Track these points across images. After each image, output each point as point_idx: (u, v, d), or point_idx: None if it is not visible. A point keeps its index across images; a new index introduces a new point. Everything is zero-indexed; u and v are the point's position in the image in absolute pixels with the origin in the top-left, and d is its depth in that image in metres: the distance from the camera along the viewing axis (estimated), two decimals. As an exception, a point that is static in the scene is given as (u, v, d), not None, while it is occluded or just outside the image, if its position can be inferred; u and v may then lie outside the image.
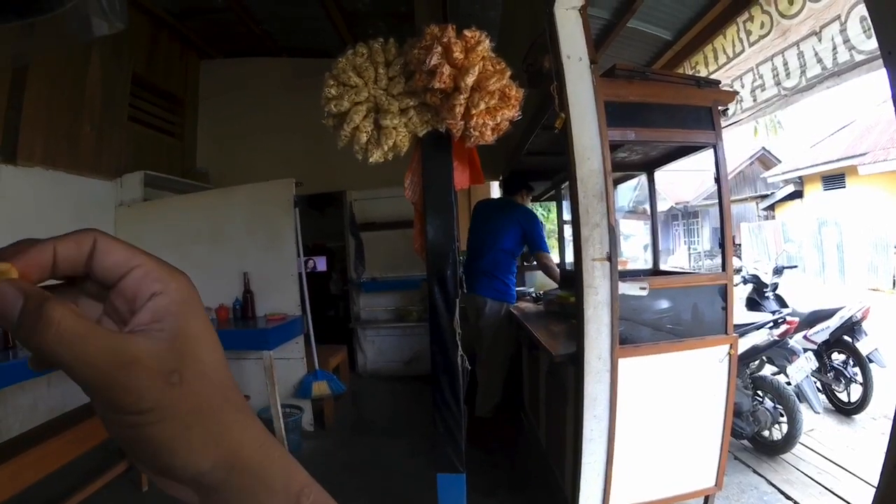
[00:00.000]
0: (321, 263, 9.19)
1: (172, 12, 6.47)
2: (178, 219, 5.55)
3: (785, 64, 4.01)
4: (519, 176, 5.18)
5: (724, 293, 3.19)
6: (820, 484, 3.87)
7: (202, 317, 0.42)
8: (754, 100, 4.44)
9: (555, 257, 6.46)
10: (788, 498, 3.73)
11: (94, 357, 0.35)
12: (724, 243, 3.26)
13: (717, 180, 3.28)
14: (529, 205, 5.26)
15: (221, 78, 7.72)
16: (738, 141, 19.19)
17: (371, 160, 2.80)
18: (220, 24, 6.78)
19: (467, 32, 2.57)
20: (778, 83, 4.13)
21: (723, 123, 4.58)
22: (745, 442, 4.45)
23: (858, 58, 3.32)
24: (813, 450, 4.41)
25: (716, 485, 3.27)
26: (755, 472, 4.10)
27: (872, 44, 3.11)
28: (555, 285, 5.20)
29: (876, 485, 1.50)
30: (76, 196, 5.23)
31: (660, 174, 4.71)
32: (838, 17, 3.41)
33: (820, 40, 3.61)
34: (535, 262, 5.68)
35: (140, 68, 6.30)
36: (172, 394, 0.37)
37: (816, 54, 3.66)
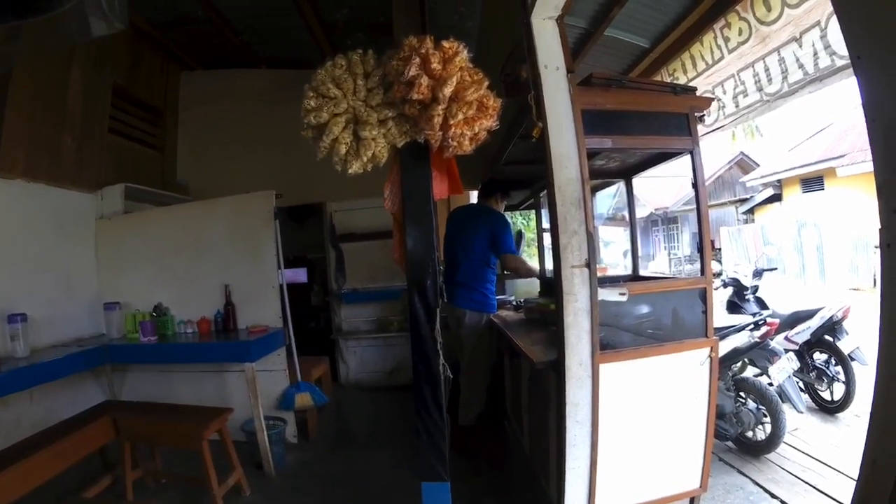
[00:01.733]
0: (302, 275, 9.17)
1: (154, 24, 6.44)
2: (158, 231, 5.53)
3: (766, 70, 4.05)
4: (494, 181, 5.19)
5: (704, 297, 3.22)
6: (805, 482, 3.90)
7: None
8: (737, 105, 4.48)
9: (535, 265, 6.49)
10: (774, 497, 3.76)
11: None
12: (703, 248, 3.29)
13: (695, 186, 3.31)
14: (503, 209, 5.24)
15: (202, 89, 7.69)
16: (717, 146, 19.37)
17: (350, 171, 2.80)
18: (200, 36, 6.76)
19: (445, 43, 2.59)
20: (760, 89, 4.18)
21: (706, 129, 4.66)
22: (730, 443, 4.49)
23: (840, 63, 3.37)
24: (797, 449, 4.45)
25: (701, 486, 3.30)
26: (740, 472, 4.13)
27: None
28: (536, 288, 5.21)
29: (856, 479, 1.53)
30: (57, 208, 5.20)
31: (639, 180, 4.74)
32: (818, 22, 3.45)
33: (801, 46, 3.65)
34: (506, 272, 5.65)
35: (121, 80, 6.28)
36: None
37: (798, 60, 3.71)
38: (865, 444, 1.48)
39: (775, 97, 4.05)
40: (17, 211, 4.76)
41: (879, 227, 1.37)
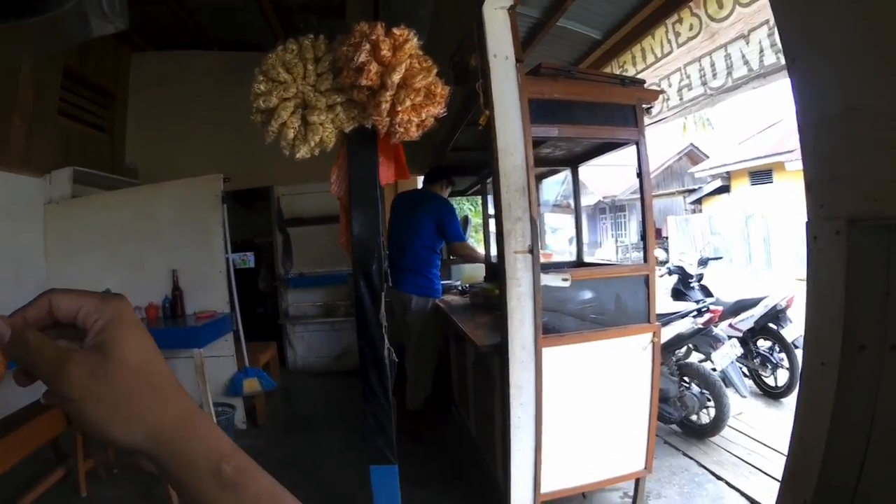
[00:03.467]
0: (250, 259, 9.10)
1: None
2: (106, 216, 5.42)
3: (712, 65, 4.12)
4: (440, 167, 5.23)
5: (647, 283, 3.30)
6: (750, 464, 4.04)
7: (132, 326, 0.55)
8: (681, 98, 4.55)
9: (480, 250, 6.54)
10: (719, 478, 3.88)
11: (46, 360, 0.50)
12: (646, 236, 3.37)
13: (640, 175, 3.38)
14: (447, 195, 5.31)
15: (152, 71, 7.49)
16: (667, 136, 19.66)
17: (298, 156, 2.80)
18: (153, 16, 6.61)
19: (396, 30, 2.60)
20: (704, 83, 4.25)
21: (649, 121, 4.72)
22: (675, 427, 4.60)
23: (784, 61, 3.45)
24: (742, 432, 4.59)
25: (645, 468, 3.38)
26: (685, 454, 4.25)
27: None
28: (481, 273, 5.26)
29: (786, 454, 1.62)
30: (5, 193, 5.04)
31: (588, 168, 4.82)
32: (767, 21, 3.51)
33: (748, 43, 3.72)
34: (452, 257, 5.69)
35: (72, 61, 6.11)
36: (98, 384, 0.50)
37: (743, 56, 3.78)
38: (794, 422, 1.56)
39: (719, 91, 4.13)
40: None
41: (807, 220, 1.44)
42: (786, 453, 4.01)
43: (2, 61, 4.98)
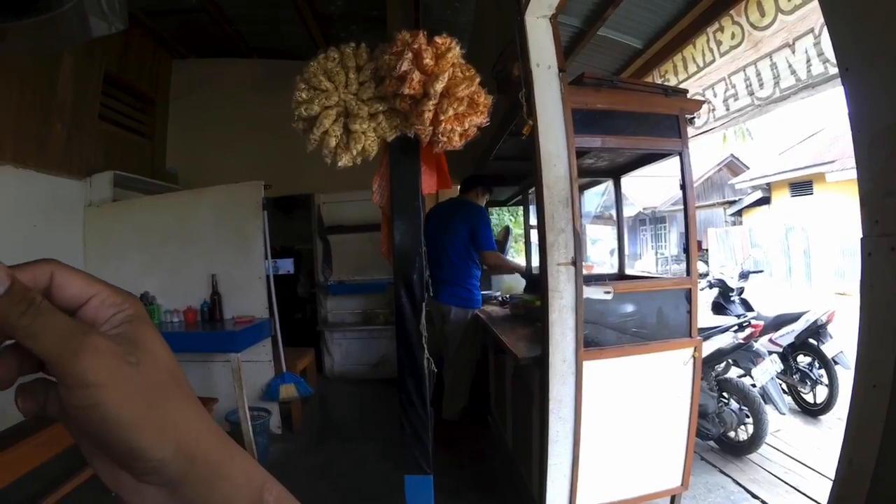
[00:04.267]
0: (288, 265, 9.14)
1: (146, 11, 6.38)
2: (146, 220, 5.49)
3: (758, 74, 4.05)
4: (475, 175, 5.20)
5: (689, 297, 3.24)
6: (787, 483, 3.94)
7: (153, 327, 0.46)
8: (727, 109, 4.48)
9: (521, 261, 6.49)
10: (755, 497, 3.79)
11: (60, 329, 0.39)
12: (689, 248, 3.32)
13: (683, 187, 3.33)
14: (484, 203, 5.27)
15: (192, 78, 7.62)
16: (707, 147, 19.42)
17: (340, 164, 2.80)
18: (192, 24, 6.71)
19: (438, 39, 2.59)
20: (751, 93, 4.18)
21: (696, 131, 4.67)
22: (712, 443, 4.51)
23: (833, 70, 3.36)
24: (779, 450, 4.48)
25: (682, 484, 3.33)
26: (722, 472, 4.16)
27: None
28: (522, 284, 5.22)
29: (832, 479, 1.57)
30: (46, 195, 5.15)
31: (628, 180, 4.76)
32: (812, 29, 3.46)
33: (793, 52, 3.65)
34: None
35: (112, 66, 6.22)
36: (130, 371, 0.40)
37: (790, 66, 3.71)
38: (842, 445, 1.50)
39: (767, 102, 4.06)
40: (5, 196, 4.70)
41: (861, 236, 1.40)
42: (832, 475, 3.92)
43: (41, 65, 5.08)
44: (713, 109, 4.58)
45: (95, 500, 3.98)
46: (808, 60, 3.54)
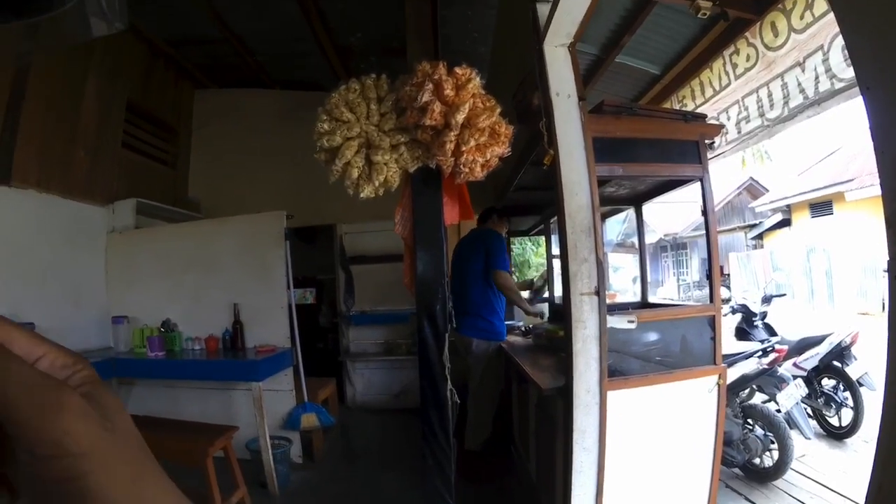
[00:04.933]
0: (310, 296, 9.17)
1: (169, 41, 6.51)
2: (169, 247, 5.56)
3: (769, 95, 4.04)
4: (491, 208, 5.20)
5: (713, 324, 3.21)
6: (812, 509, 3.89)
7: (113, 391, 0.42)
8: (739, 132, 4.47)
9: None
10: (781, 524, 3.75)
11: (35, 386, 0.34)
12: (712, 275, 3.29)
13: (704, 213, 3.31)
14: (504, 231, 5.24)
15: (215, 108, 7.74)
16: (726, 171, 19.35)
17: (362, 195, 2.83)
18: (215, 55, 6.82)
19: (458, 70, 2.62)
20: (762, 114, 4.17)
21: (709, 156, 4.64)
22: (737, 470, 4.45)
23: (839, 85, 3.36)
24: (805, 475, 4.41)
25: (707, 513, 3.28)
26: (747, 499, 4.10)
27: (852, 71, 3.16)
28: (533, 313, 5.19)
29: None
30: (69, 220, 5.24)
31: (648, 207, 4.75)
32: (821, 46, 3.45)
33: (803, 71, 3.64)
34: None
35: (135, 95, 6.33)
36: (110, 439, 0.36)
37: (799, 84, 3.70)
38: (872, 469, 1.47)
39: (775, 122, 4.04)
40: (29, 221, 4.80)
41: (888, 258, 1.38)
42: (858, 500, 3.85)
43: (66, 92, 5.17)
44: (726, 133, 4.57)
45: None
46: (817, 78, 3.53)
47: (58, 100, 5.12)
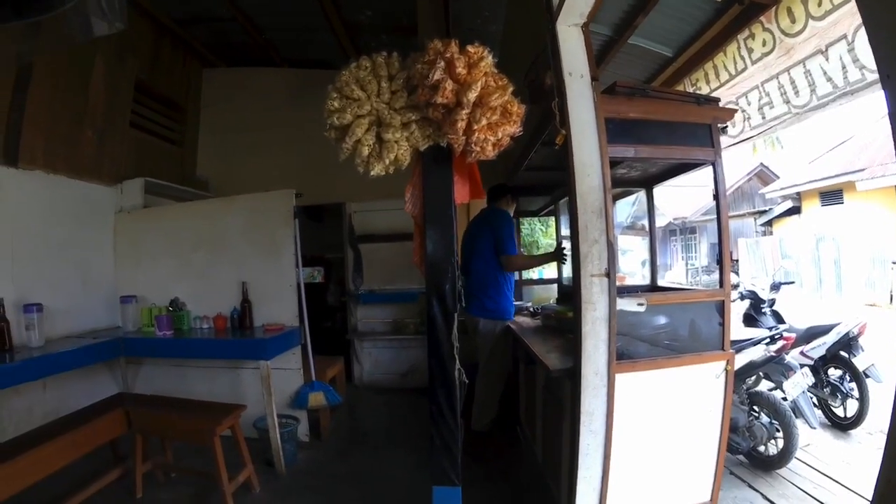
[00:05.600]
0: (319, 274, 9.18)
1: (176, 19, 6.47)
2: (177, 226, 5.58)
3: (792, 82, 4.00)
4: (500, 185, 5.19)
5: (722, 309, 3.20)
6: (816, 499, 3.87)
7: None
8: (763, 117, 4.42)
9: (553, 273, 6.45)
10: (784, 513, 3.75)
11: None
12: (722, 260, 3.27)
13: (716, 197, 3.28)
14: (512, 210, 5.23)
15: (223, 86, 7.73)
16: (737, 157, 19.24)
17: (372, 173, 2.81)
18: (223, 33, 6.79)
19: (470, 48, 2.59)
20: (787, 101, 4.12)
21: (732, 140, 4.62)
22: (741, 457, 4.45)
23: (870, 77, 3.31)
24: (809, 465, 4.41)
25: (711, 499, 3.27)
26: (751, 486, 4.10)
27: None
28: (553, 295, 5.16)
29: (870, 499, 1.52)
30: (77, 200, 5.27)
31: (658, 190, 4.72)
32: (844, 35, 3.40)
33: (827, 59, 3.60)
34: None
35: (143, 74, 6.33)
36: None
37: (825, 72, 3.65)
38: (882, 463, 1.46)
39: (805, 109, 3.99)
40: (37, 201, 4.82)
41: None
42: (861, 491, 3.85)
43: (73, 72, 5.16)
44: (748, 118, 4.52)
45: (119, 502, 4.04)
46: (844, 67, 3.49)
47: (65, 80, 5.12)
